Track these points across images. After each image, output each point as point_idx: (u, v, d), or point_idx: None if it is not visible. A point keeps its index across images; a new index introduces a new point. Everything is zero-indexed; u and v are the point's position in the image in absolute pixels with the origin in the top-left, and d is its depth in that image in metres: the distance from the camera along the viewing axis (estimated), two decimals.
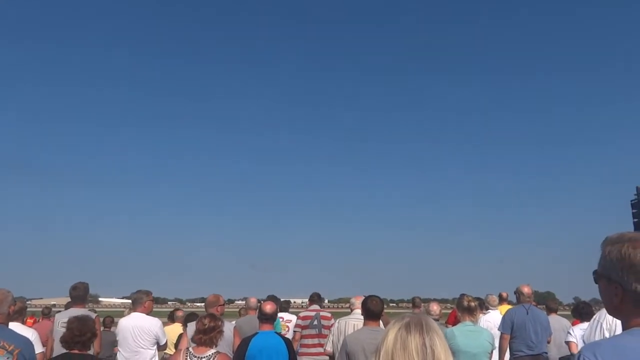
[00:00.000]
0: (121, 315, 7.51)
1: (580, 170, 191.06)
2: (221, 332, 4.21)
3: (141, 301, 5.81)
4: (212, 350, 4.05)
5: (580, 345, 5.65)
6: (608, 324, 4.15)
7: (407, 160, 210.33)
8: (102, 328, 6.27)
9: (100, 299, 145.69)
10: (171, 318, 8.27)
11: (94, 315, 5.64)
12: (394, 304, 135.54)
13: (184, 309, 11.93)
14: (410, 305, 10.77)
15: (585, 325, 5.72)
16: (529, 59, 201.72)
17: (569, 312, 7.58)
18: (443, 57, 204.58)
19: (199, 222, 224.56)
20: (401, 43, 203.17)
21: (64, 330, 4.22)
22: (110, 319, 10.36)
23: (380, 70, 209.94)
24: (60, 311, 6.18)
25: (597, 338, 4.16)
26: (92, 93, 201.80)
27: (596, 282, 1.62)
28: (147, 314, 5.84)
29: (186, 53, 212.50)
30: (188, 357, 4.00)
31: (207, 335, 4.08)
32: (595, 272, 1.61)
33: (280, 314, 8.61)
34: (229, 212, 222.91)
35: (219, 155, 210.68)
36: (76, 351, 3.88)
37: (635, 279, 1.45)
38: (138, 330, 5.58)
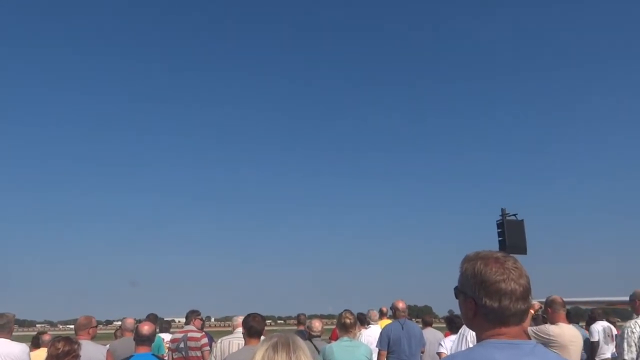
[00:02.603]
0: None
1: (454, 191, 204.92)
2: (77, 356, 3.94)
3: (9, 326, 5.28)
4: None
5: None
6: (472, 337, 4.49)
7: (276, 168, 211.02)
8: None
9: None
10: (36, 343, 7.56)
11: None
12: (282, 321, 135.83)
13: (54, 333, 10.96)
14: (296, 322, 10.84)
15: (455, 336, 6.13)
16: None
17: (445, 325, 8.08)
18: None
19: (73, 236, 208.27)
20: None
21: None
22: None
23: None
24: None
25: (462, 349, 4.49)
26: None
27: (456, 297, 1.74)
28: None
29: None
30: None
31: None
32: (455, 288, 1.74)
33: (162, 335, 8.23)
34: (106, 225, 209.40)
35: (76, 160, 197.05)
36: None
37: (486, 294, 1.57)
38: (5, 358, 5.06)
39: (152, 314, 8.19)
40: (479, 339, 1.63)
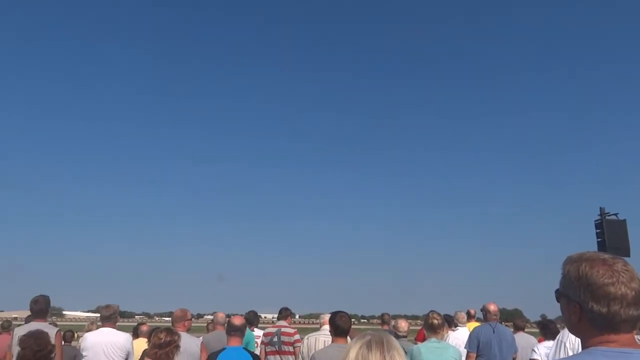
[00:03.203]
0: (81, 329, 7.29)
1: (547, 188, 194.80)
2: (177, 346, 4.15)
3: (115, 316, 5.73)
4: None
5: None
6: (571, 343, 4.23)
7: (377, 170, 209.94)
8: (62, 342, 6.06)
9: (64, 312, 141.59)
10: (135, 333, 8.09)
11: (55, 330, 5.49)
12: (365, 320, 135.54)
13: (151, 324, 11.67)
14: (380, 321, 10.77)
15: (550, 343, 5.82)
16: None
17: (537, 330, 7.68)
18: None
19: (168, 233, 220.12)
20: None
21: None
22: (70, 334, 10.05)
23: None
24: (20, 325, 6.00)
25: (560, 357, 4.23)
26: (75, 91, 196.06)
27: (558, 301, 1.64)
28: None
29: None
30: None
31: (162, 350, 4.01)
32: (557, 291, 1.64)
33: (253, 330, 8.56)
34: (198, 224, 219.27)
35: (185, 163, 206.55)
36: None
37: (592, 298, 1.47)
38: (112, 346, 5.45)
39: (252, 311, 8.59)
40: (585, 346, 1.52)
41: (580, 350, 1.56)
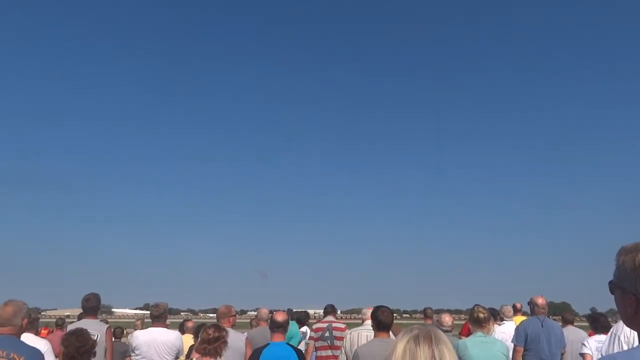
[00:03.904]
0: (129, 326, 7.50)
1: (597, 178, 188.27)
2: (225, 342, 4.22)
3: (164, 315, 5.87)
4: None
5: (596, 357, 5.58)
6: (626, 337, 4.08)
7: (416, 163, 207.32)
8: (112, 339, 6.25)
9: (113, 309, 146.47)
10: (181, 329, 8.29)
11: (105, 326, 5.68)
12: (407, 315, 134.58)
13: (196, 320, 11.94)
14: (423, 316, 10.68)
15: (600, 337, 5.64)
16: (540, 52, 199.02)
17: (587, 324, 7.43)
18: (445, 58, 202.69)
19: (212, 231, 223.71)
20: (400, 44, 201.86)
21: None
22: (120, 330, 10.42)
23: (379, 69, 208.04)
24: (73, 322, 6.23)
25: (615, 351, 4.09)
26: (84, 93, 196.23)
27: (612, 293, 1.59)
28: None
29: (180, 52, 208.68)
30: None
31: (211, 345, 4.09)
32: (610, 283, 1.59)
33: (302, 328, 8.71)
34: (242, 222, 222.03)
35: (227, 161, 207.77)
36: None
37: None
38: (163, 345, 5.58)
39: (303, 311, 8.85)
40: None
41: (636, 344, 1.50)
